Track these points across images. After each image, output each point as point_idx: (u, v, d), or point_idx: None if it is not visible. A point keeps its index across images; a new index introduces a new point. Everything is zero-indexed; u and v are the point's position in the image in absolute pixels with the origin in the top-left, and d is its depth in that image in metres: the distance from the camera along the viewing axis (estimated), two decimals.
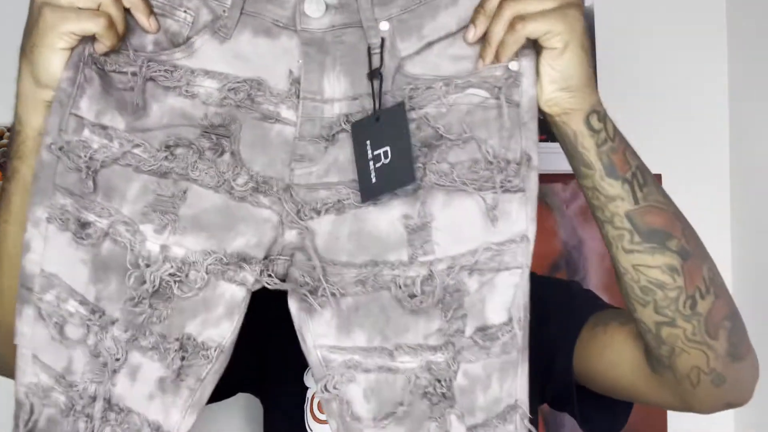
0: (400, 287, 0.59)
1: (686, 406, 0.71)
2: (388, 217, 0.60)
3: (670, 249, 0.63)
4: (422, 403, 0.58)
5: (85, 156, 0.57)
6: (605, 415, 0.84)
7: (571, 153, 0.63)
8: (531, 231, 0.59)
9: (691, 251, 0.64)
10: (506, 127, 0.59)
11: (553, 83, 0.60)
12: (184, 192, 0.59)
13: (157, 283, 0.57)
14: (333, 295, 0.59)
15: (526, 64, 0.59)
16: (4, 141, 1.39)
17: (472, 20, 0.60)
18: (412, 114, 0.60)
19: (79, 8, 0.56)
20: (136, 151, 0.58)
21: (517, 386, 0.59)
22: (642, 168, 0.63)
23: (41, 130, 0.58)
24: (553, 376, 0.82)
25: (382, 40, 0.60)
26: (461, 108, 0.60)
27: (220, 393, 0.79)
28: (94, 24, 0.56)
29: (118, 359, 0.56)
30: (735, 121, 1.38)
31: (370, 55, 0.60)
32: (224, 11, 0.60)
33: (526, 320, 0.59)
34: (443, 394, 0.58)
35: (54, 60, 0.57)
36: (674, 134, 1.34)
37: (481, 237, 0.59)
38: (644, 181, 0.63)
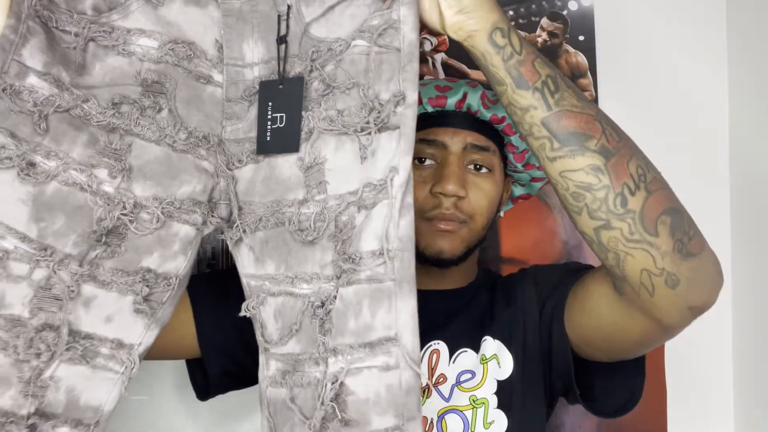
0: (293, 223, 0.66)
1: (655, 323, 0.71)
2: (289, 162, 0.67)
3: (590, 149, 0.64)
4: (313, 323, 0.65)
5: (34, 100, 0.61)
6: (611, 394, 0.85)
7: (486, 74, 0.66)
8: (403, 164, 0.62)
9: (613, 150, 0.64)
10: (384, 72, 0.64)
11: (450, 8, 0.64)
12: (129, 146, 0.65)
13: (114, 221, 0.63)
14: (244, 231, 0.69)
15: (405, 11, 0.64)
16: None
17: None
18: (314, 73, 0.67)
19: None
20: (85, 105, 0.63)
21: (398, 321, 0.61)
22: (553, 76, 0.65)
23: None
24: (554, 357, 0.84)
25: (288, 7, 0.68)
26: (348, 59, 0.66)
27: (245, 381, 0.90)
28: None
29: (72, 290, 0.61)
30: (735, 121, 1.38)
31: (279, 22, 0.68)
32: None
33: (402, 253, 0.61)
34: (323, 316, 0.65)
35: None
36: (674, 134, 1.34)
37: (363, 175, 0.64)
38: (556, 87, 0.64)
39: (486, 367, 0.87)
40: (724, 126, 1.37)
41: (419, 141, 0.88)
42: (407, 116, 0.63)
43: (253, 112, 0.69)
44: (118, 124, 0.64)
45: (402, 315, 0.61)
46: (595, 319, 0.78)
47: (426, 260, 0.89)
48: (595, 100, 1.39)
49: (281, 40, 0.67)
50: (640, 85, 1.35)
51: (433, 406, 0.86)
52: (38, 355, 0.59)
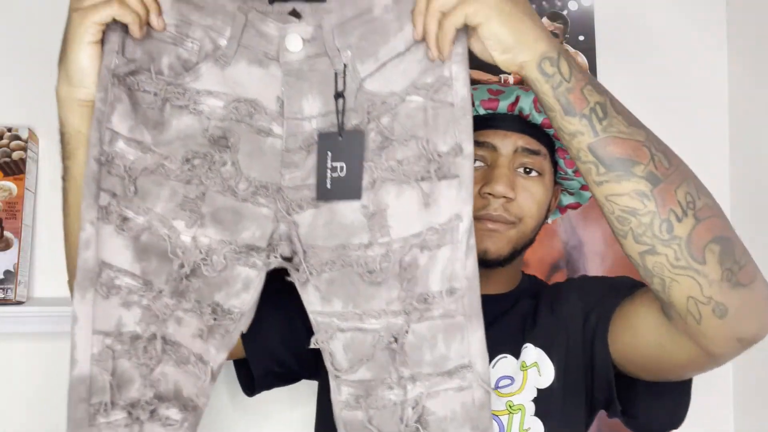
0: (360, 264, 0.73)
1: (702, 350, 0.70)
2: (351, 208, 0.73)
3: (637, 175, 0.65)
4: (384, 354, 0.72)
5: (125, 165, 0.69)
6: (653, 413, 0.84)
7: (539, 100, 0.69)
8: (465, 211, 0.69)
9: (661, 176, 0.65)
10: (441, 125, 0.71)
11: (495, 50, 0.67)
12: (203, 194, 0.73)
13: (191, 266, 0.72)
14: (311, 273, 0.74)
15: (456, 69, 0.70)
16: (4, 141, 1.39)
17: (413, 21, 0.69)
18: (371, 125, 0.73)
19: (96, 3, 0.66)
20: (165, 162, 0.72)
21: (470, 350, 0.69)
22: (603, 103, 0.66)
23: (80, 128, 0.70)
24: (596, 370, 0.84)
25: (345, 65, 0.73)
26: (404, 113, 0.72)
27: (287, 379, 1.00)
28: (109, 8, 0.65)
29: (166, 313, 0.71)
30: (735, 121, 1.38)
31: (336, 79, 0.74)
32: (224, 42, 0.73)
33: (470, 290, 0.69)
34: (398, 349, 0.71)
35: (82, 55, 0.67)
36: (674, 134, 1.34)
37: (426, 219, 0.71)
38: (604, 114, 0.66)
39: (526, 374, 0.87)
40: (724, 126, 1.37)
41: None
42: (465, 166, 0.69)
43: (311, 161, 0.75)
44: (193, 175, 0.72)
45: (473, 345, 0.69)
46: (640, 339, 0.78)
47: None
48: None
49: (339, 95, 0.73)
50: (640, 84, 1.35)
51: None
52: (150, 359, 0.70)
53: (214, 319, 0.74)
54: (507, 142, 0.90)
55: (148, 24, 0.70)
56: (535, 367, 0.87)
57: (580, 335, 0.86)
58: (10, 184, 1.26)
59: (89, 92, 0.69)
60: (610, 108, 0.66)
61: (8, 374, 1.29)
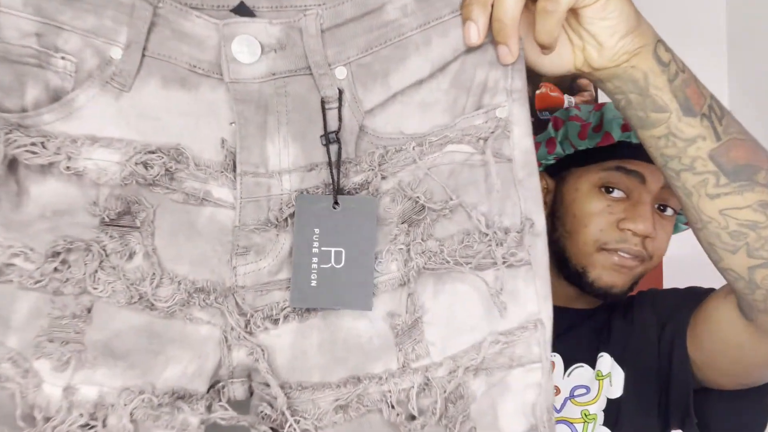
0: (393, 406, 0.46)
1: None
2: (367, 316, 0.47)
3: (759, 183, 0.55)
4: None
5: None
6: (731, 420, 0.82)
7: (638, 105, 0.54)
8: (545, 313, 0.48)
9: None
10: (497, 188, 0.48)
11: (616, 33, 0.50)
12: (88, 311, 0.44)
13: None
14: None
15: (517, 110, 0.49)
16: None
17: (465, 15, 0.47)
18: (383, 184, 0.47)
19: None
20: (16, 261, 0.43)
21: None
22: (714, 97, 0.55)
23: None
24: (673, 382, 0.81)
25: (340, 91, 0.46)
26: (442, 170, 0.48)
27: None
28: None
29: None
30: None
31: (324, 110, 0.46)
32: (118, 53, 0.44)
33: (551, 423, 0.48)
34: None
35: None
36: None
37: (484, 327, 0.47)
38: (721, 111, 0.54)
39: (601, 383, 0.85)
40: None
41: (615, 168, 0.85)
42: (538, 249, 0.48)
43: (288, 242, 0.46)
44: (67, 280, 0.44)
45: None
46: (718, 343, 0.75)
47: (587, 290, 0.87)
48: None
49: (331, 137, 0.46)
50: None
51: None
52: None
53: None
54: (657, 177, 0.83)
55: None
56: (609, 378, 0.84)
57: (656, 347, 0.83)
58: None
59: None
60: (719, 102, 0.55)
61: None
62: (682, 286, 0.89)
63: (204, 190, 0.46)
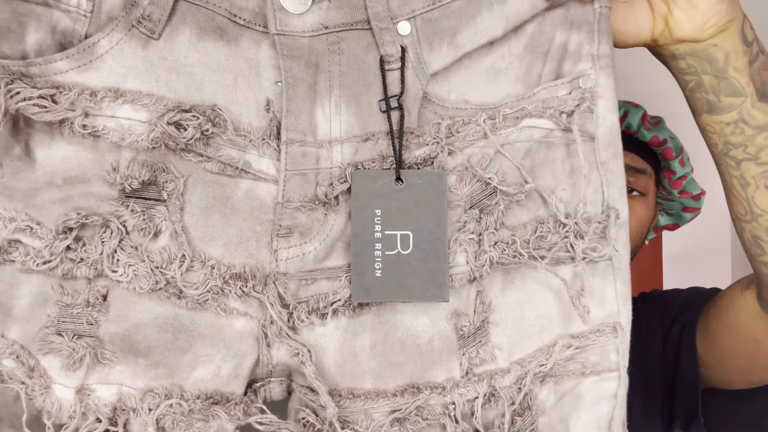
0: (457, 421, 0.40)
1: None
2: (428, 314, 0.41)
3: None
4: None
5: None
6: (738, 421, 0.80)
7: (710, 87, 0.49)
8: (625, 315, 0.42)
9: None
10: (584, 172, 0.42)
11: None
12: (104, 298, 0.38)
13: None
14: None
15: (604, 80, 0.43)
16: None
17: None
18: (449, 160, 0.41)
19: None
20: (21, 237, 0.37)
21: None
22: None
23: None
24: (679, 381, 0.79)
25: (402, 48, 0.39)
26: (517, 147, 0.42)
27: None
28: None
29: None
30: None
31: (384, 71, 0.40)
32: None
33: None
34: None
35: None
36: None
37: (555, 329, 0.42)
38: None
39: None
40: None
41: None
42: (621, 242, 0.42)
43: (338, 223, 0.40)
44: (80, 261, 0.37)
45: None
46: (734, 339, 0.73)
47: None
48: None
49: (393, 103, 0.39)
50: (640, 85, 1.36)
51: None
52: None
53: None
54: None
55: None
56: None
57: (660, 349, 0.81)
58: None
59: None
60: None
61: None
62: (682, 285, 0.87)
63: (243, 160, 0.39)
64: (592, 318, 0.42)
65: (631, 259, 0.89)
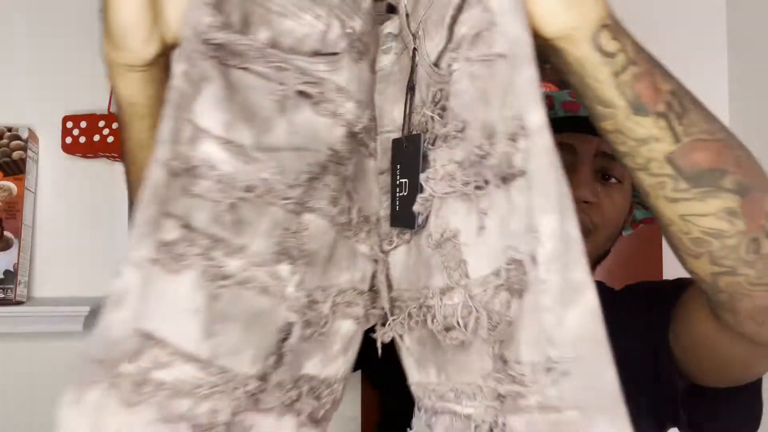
0: (436, 320, 0.49)
1: (761, 347, 0.63)
2: (426, 239, 0.52)
3: (725, 188, 0.49)
4: None
5: (219, 180, 0.43)
6: (722, 419, 0.79)
7: (580, 92, 0.48)
8: (546, 228, 0.40)
9: (749, 183, 0.50)
10: (495, 94, 0.44)
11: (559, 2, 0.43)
12: (306, 227, 0.49)
13: (304, 333, 0.49)
14: (401, 329, 0.54)
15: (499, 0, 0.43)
16: (4, 141, 1.39)
17: None
18: (438, 120, 0.51)
19: None
20: (275, 179, 0.46)
21: None
22: (677, 91, 0.48)
23: (132, 98, 0.49)
24: (661, 379, 0.78)
25: (414, 50, 0.52)
26: (454, 90, 0.48)
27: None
28: None
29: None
30: (735, 121, 1.38)
31: (414, 62, 0.52)
32: (359, 27, 0.51)
33: (593, 363, 0.39)
34: None
35: (126, 4, 0.44)
36: None
37: (505, 245, 0.44)
38: (682, 108, 0.48)
39: None
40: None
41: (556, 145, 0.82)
42: (533, 152, 0.40)
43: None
44: (304, 202, 0.48)
45: None
46: (693, 339, 0.72)
47: None
48: None
49: (410, 88, 0.53)
50: None
51: None
52: None
53: (315, 398, 0.52)
54: (588, 147, 0.84)
55: None
56: None
57: (639, 346, 0.79)
58: (10, 184, 1.27)
59: (137, 56, 0.46)
60: (684, 96, 0.48)
61: (8, 374, 1.30)
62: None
63: (373, 146, 0.57)
64: (520, 233, 0.42)
65: (610, 248, 0.88)
